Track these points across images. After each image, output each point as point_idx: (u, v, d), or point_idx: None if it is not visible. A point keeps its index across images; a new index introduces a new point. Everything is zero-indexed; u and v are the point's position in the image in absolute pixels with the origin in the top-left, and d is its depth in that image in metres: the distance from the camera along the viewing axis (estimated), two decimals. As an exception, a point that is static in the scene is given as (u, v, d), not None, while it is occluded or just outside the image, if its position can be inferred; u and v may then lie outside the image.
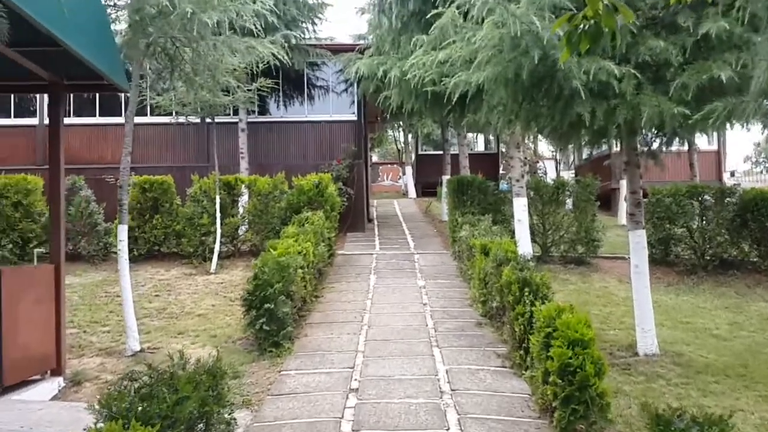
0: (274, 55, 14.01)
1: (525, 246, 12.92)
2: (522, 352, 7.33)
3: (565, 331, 5.91)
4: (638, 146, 8.87)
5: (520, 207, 13.62)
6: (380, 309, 10.61)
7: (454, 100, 9.81)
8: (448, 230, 15.98)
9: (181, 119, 15.40)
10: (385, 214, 25.45)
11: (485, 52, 7.61)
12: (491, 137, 35.62)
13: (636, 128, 7.93)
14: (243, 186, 14.99)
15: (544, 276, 7.84)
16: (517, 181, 13.76)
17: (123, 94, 18.65)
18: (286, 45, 16.36)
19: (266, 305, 8.41)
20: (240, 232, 14.91)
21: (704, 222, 14.43)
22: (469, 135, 34.67)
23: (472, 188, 14.90)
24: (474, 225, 12.66)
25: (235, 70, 13.69)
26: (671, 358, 8.58)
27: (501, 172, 34.29)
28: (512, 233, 13.33)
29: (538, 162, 35.20)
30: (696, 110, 7.18)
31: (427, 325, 9.55)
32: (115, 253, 14.79)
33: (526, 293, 7.48)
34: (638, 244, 8.84)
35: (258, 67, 14.27)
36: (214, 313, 10.85)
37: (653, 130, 8.28)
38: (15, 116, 20.30)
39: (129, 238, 14.36)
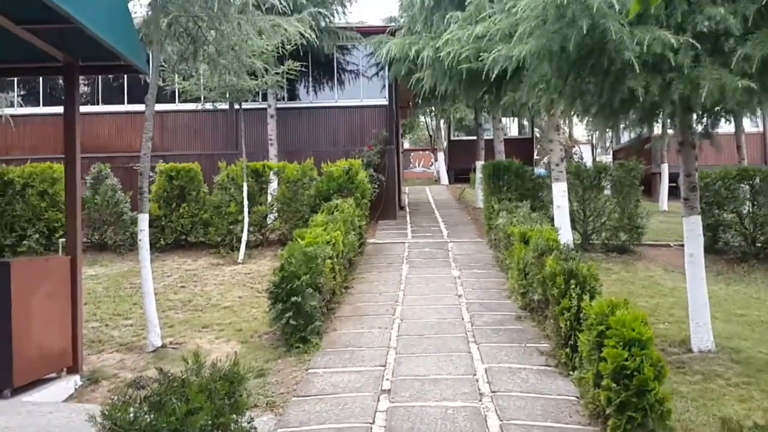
0: (301, 34, 13.46)
1: (565, 233, 12.29)
2: (568, 350, 6.73)
3: (620, 330, 5.33)
4: (693, 124, 8.20)
5: (559, 192, 12.98)
6: (413, 301, 10.08)
7: (492, 78, 9.22)
8: (484, 217, 15.38)
9: (208, 105, 14.87)
10: (417, 201, 24.90)
11: (527, 23, 6.99)
12: (525, 122, 34.94)
13: (692, 105, 7.25)
14: (271, 173, 14.52)
15: (592, 267, 7.24)
16: (557, 165, 13.11)
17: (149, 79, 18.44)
18: (314, 25, 15.78)
19: (293, 298, 7.92)
20: (268, 220, 14.44)
21: (755, 207, 13.66)
22: (503, 120, 34.01)
23: (509, 174, 14.25)
24: (511, 212, 12.04)
25: (262, 52, 13.26)
26: (728, 354, 7.92)
27: (536, 157, 33.60)
28: (551, 220, 12.71)
29: (574, 147, 34.32)
30: (759, 84, 6.53)
31: (463, 319, 8.99)
32: (142, 242, 14.58)
33: (572, 286, 6.88)
34: (693, 231, 8.18)
35: (286, 48, 13.77)
36: (241, 305, 10.40)
37: (710, 107, 7.58)
38: (44, 105, 20.07)
39: (155, 227, 14.15)
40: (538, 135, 36.87)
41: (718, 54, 7.04)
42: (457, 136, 36.92)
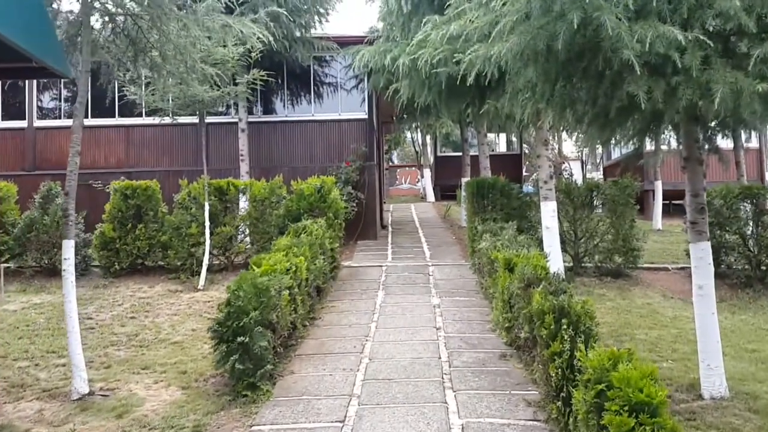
0: (261, 39, 12.37)
1: (555, 257, 11.25)
2: (560, 403, 5.62)
3: (625, 390, 4.25)
4: (700, 137, 7.16)
5: (548, 212, 11.93)
6: (386, 335, 8.96)
7: (473, 86, 8.19)
8: (467, 238, 14.29)
9: (167, 119, 13.74)
10: (400, 219, 23.83)
11: (509, 17, 5.94)
12: (513, 138, 34.05)
13: (702, 113, 6.22)
14: (236, 191, 13.39)
15: (587, 303, 6.14)
16: (545, 182, 12.07)
17: (111, 89, 17.34)
18: (276, 27, 14.73)
19: (240, 338, 6.79)
20: (233, 243, 13.31)
21: (760, 228, 12.64)
22: (490, 135, 33.07)
23: (494, 191, 13.15)
24: (496, 234, 10.96)
25: (227, 61, 12.24)
26: (745, 402, 6.84)
27: (524, 174, 32.72)
28: (540, 242, 11.65)
29: (563, 163, 33.42)
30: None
31: (440, 358, 7.88)
32: (96, 267, 13.44)
33: (564, 326, 5.80)
34: (702, 259, 7.11)
35: (251, 56, 12.74)
36: (193, 340, 9.26)
37: (722, 116, 6.53)
38: (2, 119, 18.94)
39: (109, 250, 13.00)
40: (527, 151, 36.01)
41: (729, 56, 6.02)
42: (444, 152, 36.02)
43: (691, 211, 7.12)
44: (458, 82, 11.51)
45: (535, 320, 6.47)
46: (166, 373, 7.87)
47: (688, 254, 13.34)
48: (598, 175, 30.94)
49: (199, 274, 12.43)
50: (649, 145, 22.01)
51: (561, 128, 7.86)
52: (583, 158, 41.45)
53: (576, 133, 8.78)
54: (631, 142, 7.36)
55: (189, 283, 12.58)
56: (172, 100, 12.66)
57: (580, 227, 13.08)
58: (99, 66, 9.20)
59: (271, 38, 13.33)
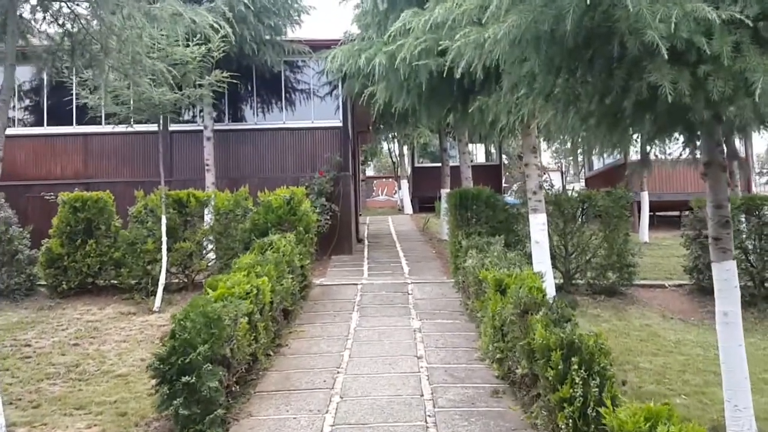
0: (222, 36, 11.35)
1: (545, 274, 10.25)
2: (572, 463, 4.61)
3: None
4: (721, 139, 6.18)
5: (538, 225, 10.96)
6: (360, 366, 7.88)
7: (458, 86, 7.19)
8: (450, 254, 13.25)
9: (121, 127, 12.57)
10: (377, 232, 22.78)
11: (506, -6, 4.94)
12: (493, 149, 33.19)
13: (737, 109, 5.25)
14: (197, 203, 12.25)
15: (600, 337, 5.13)
16: (534, 193, 11.09)
17: (69, 95, 16.14)
18: (236, 21, 13.69)
19: (184, 378, 5.69)
20: (194, 260, 12.15)
21: (762, 241, 11.75)
22: (468, 146, 32.12)
23: (478, 203, 12.08)
24: (482, 250, 9.93)
25: (188, 62, 11.19)
26: (779, 449, 5.87)
27: (504, 184, 31.92)
28: (528, 258, 10.66)
29: (543, 174, 32.56)
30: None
31: (422, 395, 6.82)
32: (42, 286, 12.24)
33: (575, 365, 4.79)
34: (727, 281, 6.09)
35: (212, 56, 11.69)
36: (140, 372, 8.10)
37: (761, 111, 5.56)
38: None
39: (56, 268, 11.80)
40: (506, 161, 35.18)
41: (760, 43, 5.07)
42: (422, 162, 35.08)
43: (714, 225, 6.12)
44: (441, 83, 10.61)
45: (537, 356, 5.44)
46: (103, 414, 6.74)
47: (686, 270, 12.60)
48: (578, 186, 30.06)
49: (155, 295, 11.28)
50: (632, 155, 21.19)
51: (558, 131, 6.85)
52: (563, 169, 40.71)
53: (575, 138, 7.78)
54: (651, 145, 6.33)
55: (144, 304, 11.43)
56: (125, 104, 11.51)
57: (571, 241, 12.12)
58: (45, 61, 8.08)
59: (228, 29, 12.27)
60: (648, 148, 6.92)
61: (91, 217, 12.01)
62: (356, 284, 12.66)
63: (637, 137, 6.21)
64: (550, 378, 5.00)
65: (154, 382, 5.95)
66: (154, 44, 10.97)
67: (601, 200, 11.94)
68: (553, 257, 11.41)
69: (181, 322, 6.04)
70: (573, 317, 6.00)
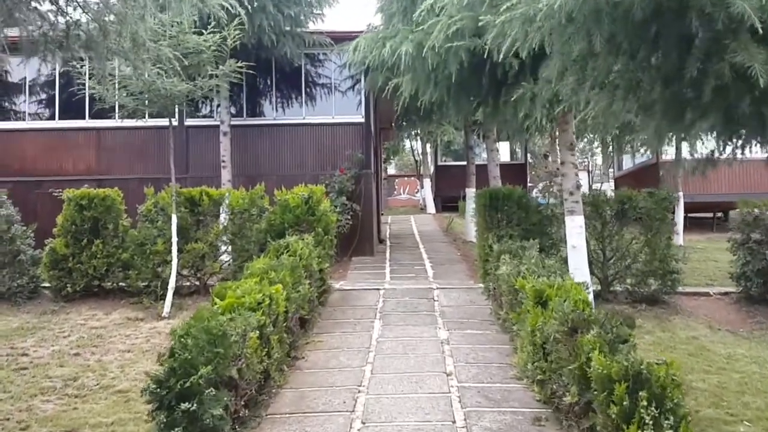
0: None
1: (583, 281, 9.44)
2: None
3: None
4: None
5: (575, 229, 10.17)
6: (383, 384, 7.12)
7: (499, 58, 6.37)
8: (478, 257, 12.43)
9: (130, 121, 11.90)
10: (399, 233, 22.02)
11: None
12: (517, 148, 32.31)
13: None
14: (210, 201, 11.53)
15: (672, 366, 4.32)
16: (571, 194, 10.30)
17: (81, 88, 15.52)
18: (248, 3, 13.01)
19: (184, 405, 4.95)
20: (206, 261, 11.44)
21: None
22: (497, 144, 31.20)
23: (509, 203, 11.19)
24: (517, 255, 9.10)
25: (201, 51, 10.52)
26: None
27: (529, 184, 31.05)
28: (563, 263, 9.84)
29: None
30: None
31: (454, 422, 6.03)
32: (46, 289, 11.59)
33: (643, 402, 3.99)
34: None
35: (227, 45, 11.00)
36: (141, 388, 7.40)
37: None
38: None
39: (60, 269, 11.13)
40: (531, 161, 34.28)
41: None
42: (445, 161, 34.23)
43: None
44: (471, 74, 9.82)
45: (593, 386, 4.63)
46: (97, 440, 6.04)
47: (733, 277, 11.68)
48: (607, 186, 29.09)
49: (165, 299, 10.59)
50: (664, 155, 20.25)
51: (608, 125, 6.05)
52: (590, 168, 39.70)
53: (625, 132, 6.94)
54: (724, 141, 5.50)
55: (152, 309, 10.74)
56: (133, 95, 10.81)
57: (610, 246, 11.27)
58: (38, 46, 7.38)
59: (242, 12, 11.57)
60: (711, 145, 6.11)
61: (97, 216, 11.34)
62: (378, 289, 11.88)
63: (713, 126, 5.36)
64: (613, 415, 4.20)
65: (150, 407, 5.21)
66: (165, 31, 10.32)
67: (642, 201, 11.06)
68: (589, 263, 10.58)
69: (182, 339, 5.30)
70: (631, 337, 5.20)
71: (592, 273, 10.79)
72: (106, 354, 8.76)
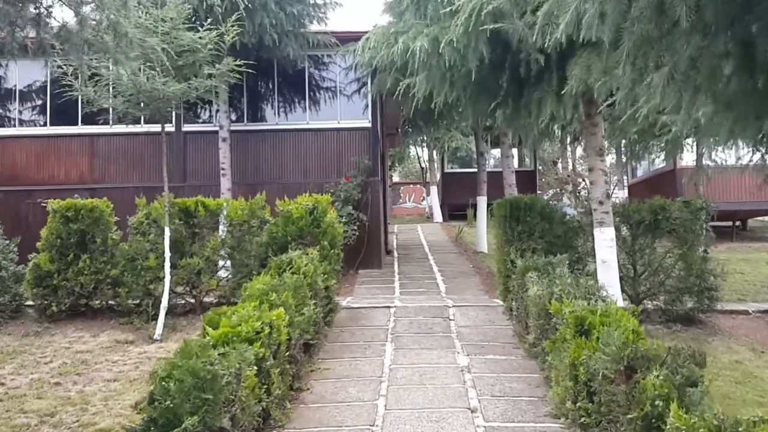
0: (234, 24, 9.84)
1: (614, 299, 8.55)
2: None
3: None
4: None
5: (605, 242, 9.31)
6: (399, 424, 6.20)
7: (547, 44, 5.51)
8: (497, 272, 11.53)
9: (121, 126, 11.06)
10: (407, 242, 21.15)
11: None
12: (526, 155, 31.47)
13: None
14: (206, 212, 10.64)
15: None
16: (600, 203, 9.45)
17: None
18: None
19: (164, 466, 4.08)
20: (202, 277, 10.54)
21: None
22: (494, 152, 30.37)
23: (532, 214, 10.23)
24: (545, 272, 8.20)
25: (197, 48, 9.72)
26: None
27: (538, 192, 30.16)
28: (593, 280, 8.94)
29: (582, 181, 30.66)
30: None
31: (485, 474, 5.15)
32: (30, 307, 10.73)
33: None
34: None
35: (224, 42, 10.16)
36: (129, 422, 6.51)
37: None
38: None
39: (44, 287, 10.22)
40: (540, 168, 33.40)
41: None
42: (452, 168, 33.36)
43: None
44: (491, 72, 9.00)
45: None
46: (67, 496, 5.15)
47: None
48: (622, 194, 28.15)
49: (157, 319, 9.71)
50: (681, 161, 19.32)
51: (682, 122, 5.12)
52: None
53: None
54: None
55: (144, 330, 9.86)
56: (123, 96, 9.94)
57: (641, 260, 10.37)
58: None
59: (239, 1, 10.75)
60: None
61: (85, 229, 10.44)
62: (389, 307, 10.97)
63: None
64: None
65: (124, 465, 4.34)
66: (157, 27, 9.50)
67: (677, 212, 10.15)
68: (619, 278, 9.69)
69: (164, 383, 4.42)
70: (701, 379, 4.31)
71: (622, 290, 9.90)
72: (89, 383, 7.86)
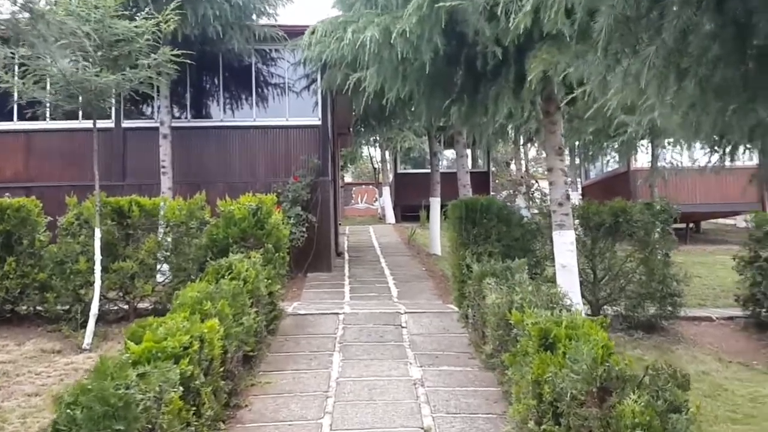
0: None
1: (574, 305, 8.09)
2: None
3: None
4: None
5: (565, 245, 8.86)
6: (346, 446, 5.66)
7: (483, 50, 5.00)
8: (452, 278, 11.03)
9: (64, 123, 10.27)
10: (358, 245, 20.59)
11: None
12: (480, 156, 31.18)
13: None
14: (140, 212, 9.90)
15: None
16: (560, 205, 9.00)
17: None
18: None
19: None
20: (136, 282, 9.81)
21: None
22: (448, 153, 30.03)
23: (489, 216, 9.72)
24: (503, 278, 7.69)
25: (133, 37, 9.02)
26: None
27: (492, 193, 29.88)
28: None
29: (535, 182, 30.40)
30: None
31: (441, 507, 4.60)
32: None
33: None
34: None
35: (160, 29, 9.46)
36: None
37: None
38: None
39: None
40: (494, 169, 33.13)
41: None
42: (405, 169, 32.94)
43: None
44: (446, 67, 8.52)
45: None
46: None
47: (739, 300, 10.41)
48: (575, 196, 28.00)
49: (87, 326, 8.96)
50: (634, 163, 19.18)
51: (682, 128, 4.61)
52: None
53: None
54: None
55: (72, 339, 9.11)
56: (51, 87, 9.17)
57: (601, 264, 9.96)
58: None
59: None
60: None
61: (11, 229, 9.63)
62: (337, 313, 10.35)
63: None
64: None
65: None
66: (89, 14, 8.78)
67: (638, 214, 9.76)
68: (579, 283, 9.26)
69: (70, 411, 3.77)
70: (685, 404, 3.83)
71: (581, 295, 9.47)
72: (8, 398, 7.10)
